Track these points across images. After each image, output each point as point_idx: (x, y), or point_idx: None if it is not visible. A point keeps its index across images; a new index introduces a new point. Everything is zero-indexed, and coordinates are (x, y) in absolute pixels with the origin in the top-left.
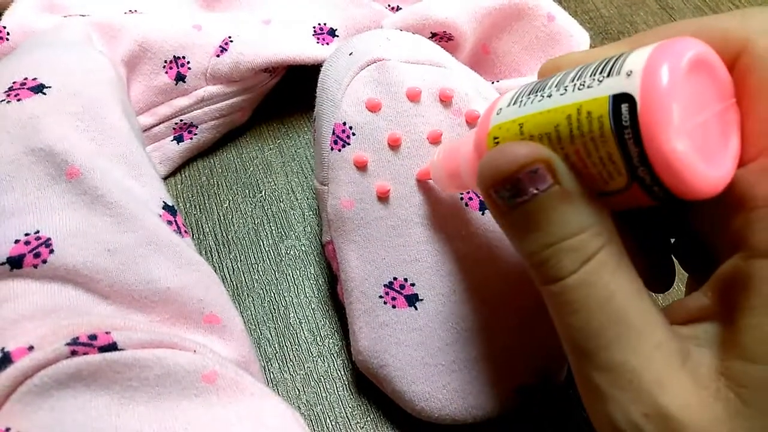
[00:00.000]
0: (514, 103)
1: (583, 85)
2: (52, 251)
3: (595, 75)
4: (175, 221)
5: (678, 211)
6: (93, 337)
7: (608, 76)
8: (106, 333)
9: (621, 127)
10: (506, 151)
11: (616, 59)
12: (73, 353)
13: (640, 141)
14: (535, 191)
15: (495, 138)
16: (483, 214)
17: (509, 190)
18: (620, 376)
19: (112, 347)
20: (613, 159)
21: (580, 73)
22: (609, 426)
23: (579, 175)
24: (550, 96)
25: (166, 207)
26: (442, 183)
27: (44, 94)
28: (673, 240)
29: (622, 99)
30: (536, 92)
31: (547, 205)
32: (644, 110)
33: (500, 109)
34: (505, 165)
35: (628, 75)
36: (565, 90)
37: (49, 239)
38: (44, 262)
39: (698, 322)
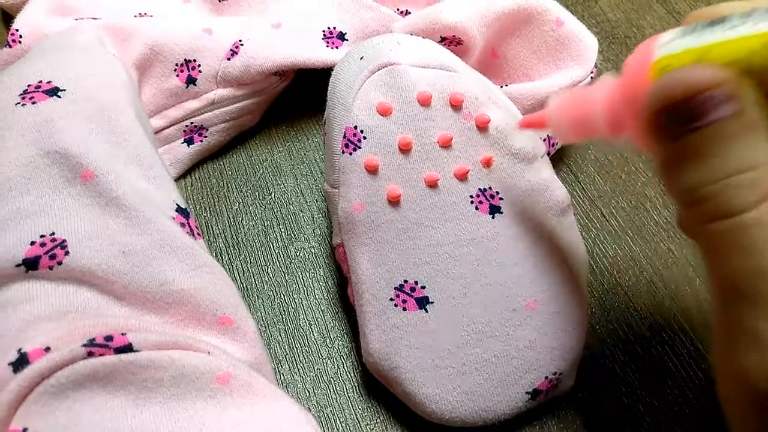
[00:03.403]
0: (688, 35)
1: None
2: (67, 253)
3: None
4: (188, 223)
5: None
6: (109, 338)
7: None
8: (122, 334)
9: None
10: (692, 71)
11: None
12: (90, 354)
13: None
14: (717, 117)
15: (665, 68)
16: (493, 217)
17: (687, 112)
18: None
19: (128, 348)
20: None
21: None
22: (764, 374)
23: (764, 108)
24: (739, 26)
25: (179, 209)
26: (565, 129)
27: (59, 97)
28: None
29: None
30: (716, 24)
31: (728, 133)
32: None
33: (668, 41)
34: (691, 83)
35: None
36: (759, 20)
37: (64, 241)
38: (60, 263)
39: None
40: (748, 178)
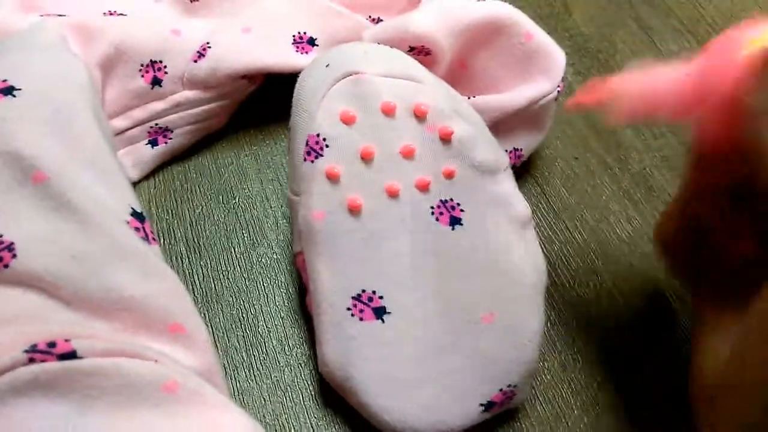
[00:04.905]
0: None
1: None
2: (14, 256)
3: None
4: (143, 228)
5: None
6: (52, 344)
7: None
8: (66, 341)
9: None
10: None
11: None
12: (31, 360)
13: None
14: None
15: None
16: (453, 229)
17: None
18: None
19: (72, 355)
20: None
21: None
22: None
23: None
24: None
25: (134, 214)
26: (626, 102)
27: (14, 96)
28: None
29: None
30: None
31: None
32: None
33: (754, 35)
34: None
35: None
36: None
37: (12, 244)
38: (6, 266)
39: None
40: None
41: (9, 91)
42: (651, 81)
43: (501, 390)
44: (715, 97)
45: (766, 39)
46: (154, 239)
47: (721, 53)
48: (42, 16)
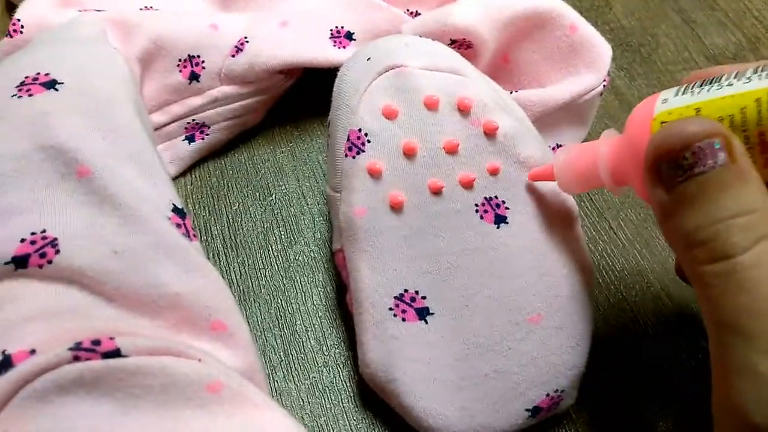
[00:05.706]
0: (683, 94)
1: None
2: (58, 251)
3: None
4: (184, 224)
5: None
6: (96, 342)
7: None
8: (110, 338)
9: None
10: (689, 122)
11: None
12: (76, 358)
13: None
14: (712, 165)
15: (663, 122)
16: (498, 228)
17: (684, 160)
18: None
19: (116, 353)
20: None
21: (761, 66)
22: (764, 408)
23: (753, 162)
24: (730, 85)
25: (175, 210)
26: (569, 182)
27: (56, 90)
28: None
29: None
30: (709, 84)
31: (722, 180)
32: None
33: (665, 99)
34: (687, 133)
35: None
36: (749, 80)
37: (55, 239)
38: (50, 262)
39: None
40: (742, 222)
41: (52, 84)
42: (585, 158)
43: (548, 395)
44: (637, 159)
45: (667, 105)
46: (194, 235)
47: (638, 122)
48: (80, 11)
